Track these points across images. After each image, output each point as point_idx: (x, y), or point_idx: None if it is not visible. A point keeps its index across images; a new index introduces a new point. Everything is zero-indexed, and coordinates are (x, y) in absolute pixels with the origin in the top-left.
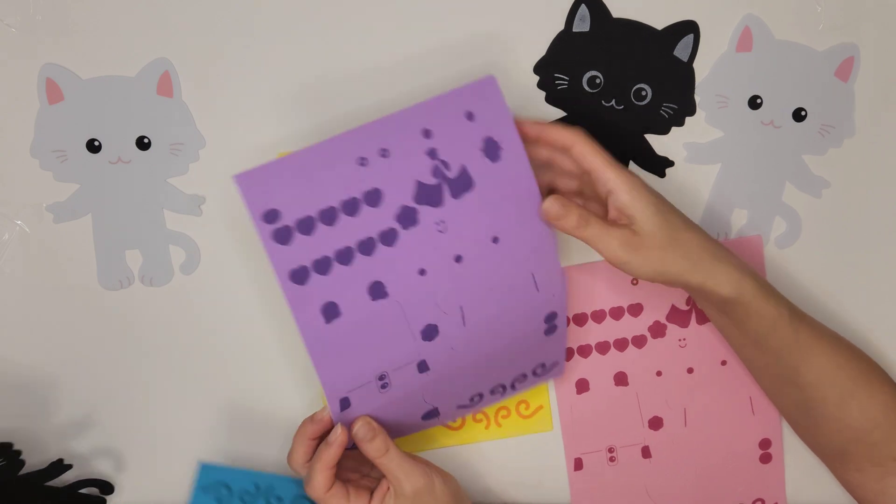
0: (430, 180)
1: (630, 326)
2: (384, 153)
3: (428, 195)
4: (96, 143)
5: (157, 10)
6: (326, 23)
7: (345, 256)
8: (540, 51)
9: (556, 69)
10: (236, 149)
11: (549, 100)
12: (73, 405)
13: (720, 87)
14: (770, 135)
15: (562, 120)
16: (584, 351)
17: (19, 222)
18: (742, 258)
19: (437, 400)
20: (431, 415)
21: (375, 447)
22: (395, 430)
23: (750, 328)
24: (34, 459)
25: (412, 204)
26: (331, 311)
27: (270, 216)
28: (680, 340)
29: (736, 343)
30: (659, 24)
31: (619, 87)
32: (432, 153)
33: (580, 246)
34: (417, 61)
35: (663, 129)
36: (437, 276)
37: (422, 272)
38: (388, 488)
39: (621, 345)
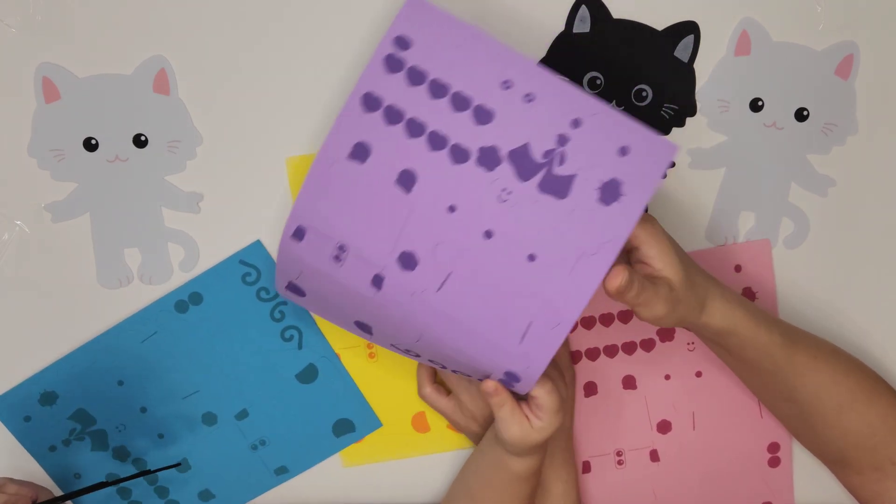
0: (538, 157)
1: (639, 330)
2: (529, 97)
3: (523, 162)
4: (93, 142)
5: (152, 8)
6: (324, 20)
7: (415, 129)
8: (540, 52)
9: (556, 70)
10: (233, 145)
11: None
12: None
13: (720, 92)
14: (773, 136)
15: None
16: (593, 354)
17: (19, 222)
18: (753, 261)
19: (374, 322)
20: (363, 328)
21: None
22: (324, 311)
23: (744, 355)
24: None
25: (503, 153)
26: (359, 152)
27: (402, 43)
28: (688, 344)
29: (732, 366)
30: (659, 24)
31: (620, 88)
32: (562, 140)
33: None
34: None
35: (664, 130)
36: (457, 226)
37: (451, 209)
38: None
39: (630, 348)
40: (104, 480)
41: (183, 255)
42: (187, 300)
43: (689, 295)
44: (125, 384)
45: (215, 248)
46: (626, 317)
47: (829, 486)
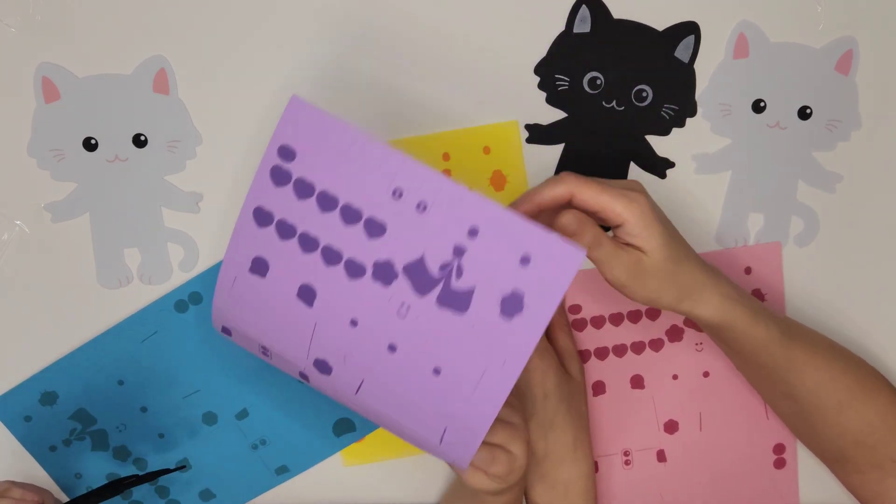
0: (434, 270)
1: (647, 330)
2: (421, 206)
3: (419, 276)
4: (93, 142)
5: (151, 8)
6: (324, 20)
7: (308, 244)
8: (540, 52)
9: (556, 70)
10: (233, 145)
11: (549, 101)
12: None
13: (722, 96)
14: (777, 136)
15: (562, 121)
16: (601, 353)
17: (18, 222)
18: (762, 263)
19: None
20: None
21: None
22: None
23: (740, 349)
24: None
25: (398, 268)
26: (259, 266)
27: (286, 153)
28: (697, 344)
29: (730, 357)
30: (660, 25)
31: (620, 88)
32: (459, 251)
33: None
34: (417, 62)
35: (664, 131)
36: (360, 340)
37: (353, 323)
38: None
39: (638, 348)
40: (110, 486)
41: (183, 255)
42: (187, 300)
43: (664, 275)
44: (125, 384)
45: (215, 248)
46: (635, 317)
47: (834, 488)
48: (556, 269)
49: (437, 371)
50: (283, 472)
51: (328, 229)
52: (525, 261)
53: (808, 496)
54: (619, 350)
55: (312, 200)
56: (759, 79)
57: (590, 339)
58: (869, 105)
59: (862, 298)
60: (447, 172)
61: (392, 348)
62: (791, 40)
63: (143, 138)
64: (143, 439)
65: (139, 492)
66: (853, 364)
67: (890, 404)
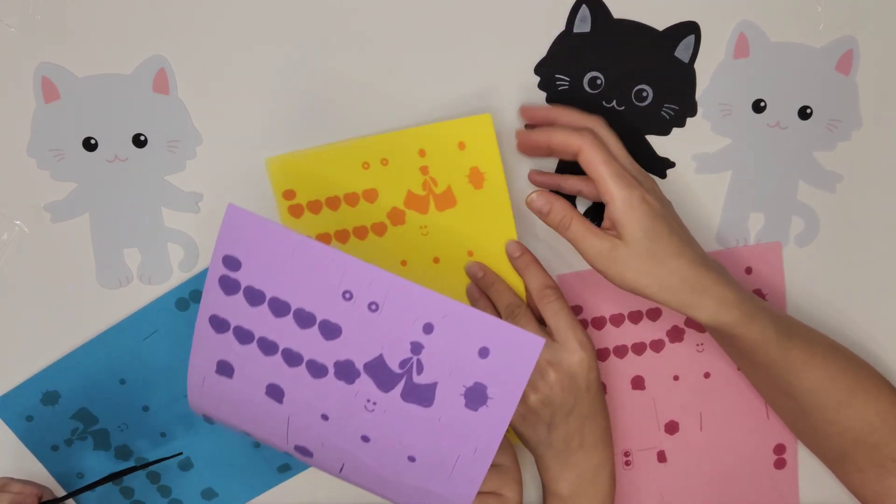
0: (395, 367)
1: (648, 331)
2: (373, 306)
3: (380, 374)
4: (93, 142)
5: (151, 8)
6: (324, 20)
7: (268, 347)
8: (541, 51)
9: (556, 70)
10: (233, 145)
11: (549, 100)
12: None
13: (722, 96)
14: (778, 136)
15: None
16: (602, 354)
17: (18, 222)
18: (763, 263)
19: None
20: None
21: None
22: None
23: (737, 348)
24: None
25: (359, 367)
26: (224, 368)
27: (232, 263)
28: (698, 345)
29: (730, 356)
30: (660, 24)
31: (620, 88)
32: (417, 347)
33: None
34: (417, 62)
35: (664, 131)
36: (334, 431)
37: (324, 417)
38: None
39: (639, 349)
40: (106, 478)
41: (182, 254)
42: (188, 298)
43: (642, 269)
44: (127, 383)
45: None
46: (636, 317)
47: (834, 488)
48: (516, 358)
49: (411, 459)
50: (286, 471)
51: (285, 333)
52: (484, 353)
53: (808, 496)
54: (620, 351)
55: (265, 307)
56: (759, 79)
57: (593, 339)
58: (869, 105)
59: (862, 298)
60: (424, 170)
61: (365, 439)
62: (791, 40)
63: (142, 138)
64: (144, 438)
65: (141, 491)
66: (853, 364)
67: (890, 404)
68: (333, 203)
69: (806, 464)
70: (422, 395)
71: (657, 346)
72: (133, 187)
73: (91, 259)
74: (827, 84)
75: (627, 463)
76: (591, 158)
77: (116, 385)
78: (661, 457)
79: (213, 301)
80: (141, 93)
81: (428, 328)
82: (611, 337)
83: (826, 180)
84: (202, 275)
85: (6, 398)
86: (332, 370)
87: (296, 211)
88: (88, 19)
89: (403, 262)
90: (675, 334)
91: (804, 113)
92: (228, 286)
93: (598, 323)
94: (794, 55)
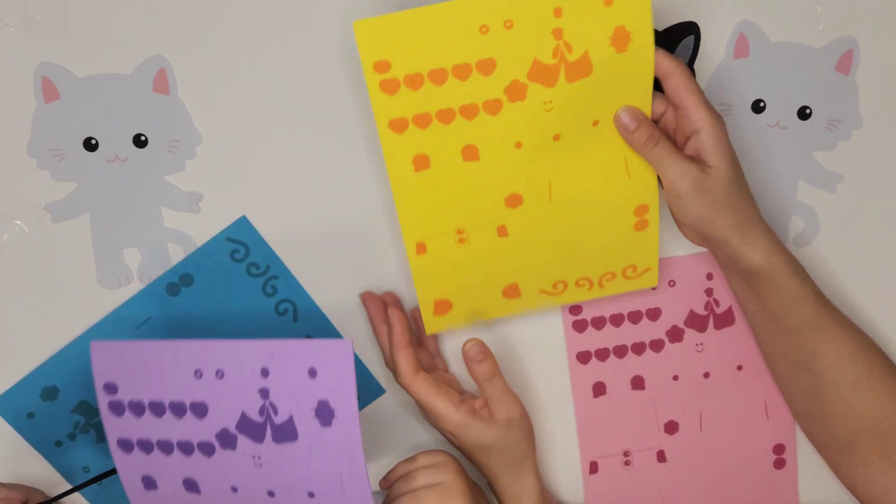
0: (256, 417)
1: (648, 331)
2: (220, 374)
3: (250, 429)
4: (93, 142)
5: (151, 8)
6: (321, 16)
7: (166, 447)
8: None
9: None
10: (233, 145)
11: None
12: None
13: (721, 96)
14: (778, 136)
15: None
16: (602, 354)
17: (18, 222)
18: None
19: None
20: None
21: (483, 370)
22: None
23: (773, 303)
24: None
25: (233, 430)
26: (149, 482)
27: (110, 388)
28: (697, 345)
29: (755, 319)
30: (660, 25)
31: None
32: (264, 393)
33: None
34: None
35: None
36: (246, 498)
37: (234, 489)
38: (484, 405)
39: (639, 349)
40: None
41: (182, 254)
42: (178, 282)
43: (724, 196)
44: None
45: (212, 236)
46: (635, 317)
47: (834, 488)
48: (336, 365)
49: (311, 494)
50: None
51: (170, 429)
52: (313, 373)
53: (808, 496)
54: (620, 351)
55: (147, 413)
56: (759, 78)
57: (590, 339)
58: (869, 105)
59: (862, 298)
60: (558, 33)
61: (271, 494)
62: (791, 40)
63: (143, 138)
64: None
65: None
66: (874, 347)
67: None
68: (438, 76)
69: (805, 464)
70: (287, 433)
71: (657, 346)
72: (133, 187)
73: (91, 259)
74: (827, 84)
75: (627, 463)
76: (685, 83)
77: None
78: (661, 456)
79: (112, 427)
80: (141, 93)
81: (265, 372)
82: (610, 337)
83: (826, 180)
84: (191, 258)
85: (6, 396)
86: (217, 444)
87: (389, 86)
88: (88, 19)
89: (518, 145)
90: (675, 334)
91: (804, 113)
92: (115, 408)
93: (598, 323)
94: (794, 55)
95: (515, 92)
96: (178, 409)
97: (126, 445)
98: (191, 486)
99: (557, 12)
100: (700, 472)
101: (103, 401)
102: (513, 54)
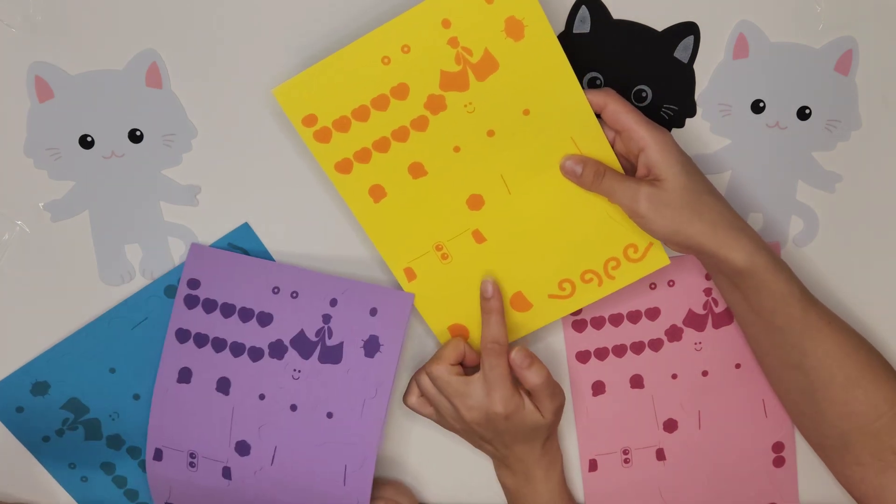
0: (312, 337)
1: (647, 330)
2: (294, 294)
3: (302, 345)
4: (89, 139)
5: (141, 2)
6: (317, 11)
7: (218, 345)
8: None
9: None
10: (228, 136)
11: None
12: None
13: (721, 97)
14: (777, 136)
15: None
16: (601, 353)
17: (19, 222)
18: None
19: None
20: None
21: (531, 376)
22: None
23: (759, 303)
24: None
25: (286, 343)
26: (184, 375)
27: (193, 283)
28: (696, 344)
29: (744, 320)
30: (659, 25)
31: (620, 89)
32: (327, 318)
33: None
34: None
35: None
36: (270, 409)
37: (261, 397)
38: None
39: (638, 348)
40: None
41: (183, 248)
42: (177, 285)
43: (683, 205)
44: (117, 371)
45: (214, 240)
46: (634, 317)
47: (833, 487)
48: (396, 310)
49: (329, 415)
50: None
51: (231, 330)
52: (373, 312)
53: (808, 495)
54: (619, 350)
55: (217, 312)
56: (758, 79)
57: (590, 339)
58: (869, 105)
59: (861, 298)
60: (453, 42)
61: (294, 408)
62: (791, 40)
63: (138, 133)
64: (136, 427)
65: (144, 492)
66: (865, 345)
67: None
68: (362, 113)
69: (805, 461)
70: (333, 355)
71: (656, 345)
72: (131, 183)
73: (92, 257)
74: (826, 84)
75: (626, 461)
76: (620, 107)
77: (107, 374)
78: (660, 455)
79: (178, 316)
80: (134, 88)
81: (333, 301)
82: (610, 336)
83: (825, 180)
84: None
85: None
86: (266, 351)
87: (322, 136)
88: (78, 16)
89: (457, 149)
90: (674, 333)
91: (803, 113)
92: (190, 301)
93: (598, 323)
94: (794, 55)
95: (435, 105)
96: (246, 315)
97: (183, 336)
98: (222, 385)
99: (446, 24)
100: (699, 471)
101: (182, 293)
102: (420, 73)
